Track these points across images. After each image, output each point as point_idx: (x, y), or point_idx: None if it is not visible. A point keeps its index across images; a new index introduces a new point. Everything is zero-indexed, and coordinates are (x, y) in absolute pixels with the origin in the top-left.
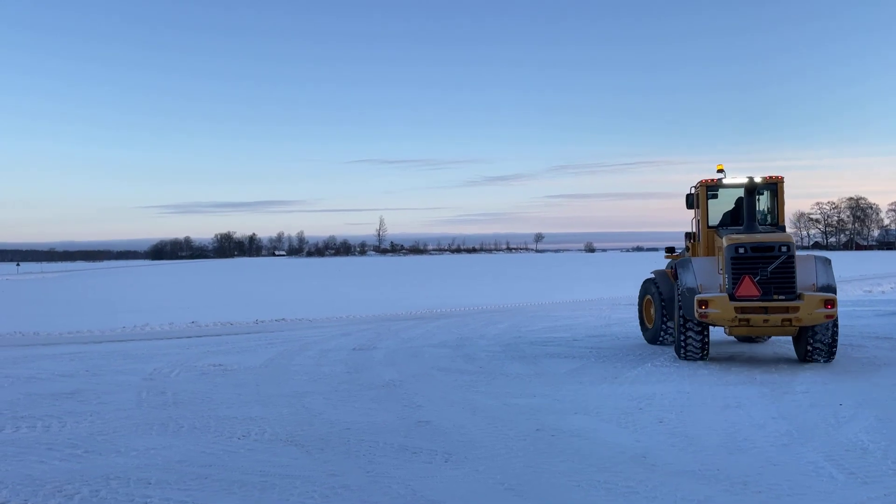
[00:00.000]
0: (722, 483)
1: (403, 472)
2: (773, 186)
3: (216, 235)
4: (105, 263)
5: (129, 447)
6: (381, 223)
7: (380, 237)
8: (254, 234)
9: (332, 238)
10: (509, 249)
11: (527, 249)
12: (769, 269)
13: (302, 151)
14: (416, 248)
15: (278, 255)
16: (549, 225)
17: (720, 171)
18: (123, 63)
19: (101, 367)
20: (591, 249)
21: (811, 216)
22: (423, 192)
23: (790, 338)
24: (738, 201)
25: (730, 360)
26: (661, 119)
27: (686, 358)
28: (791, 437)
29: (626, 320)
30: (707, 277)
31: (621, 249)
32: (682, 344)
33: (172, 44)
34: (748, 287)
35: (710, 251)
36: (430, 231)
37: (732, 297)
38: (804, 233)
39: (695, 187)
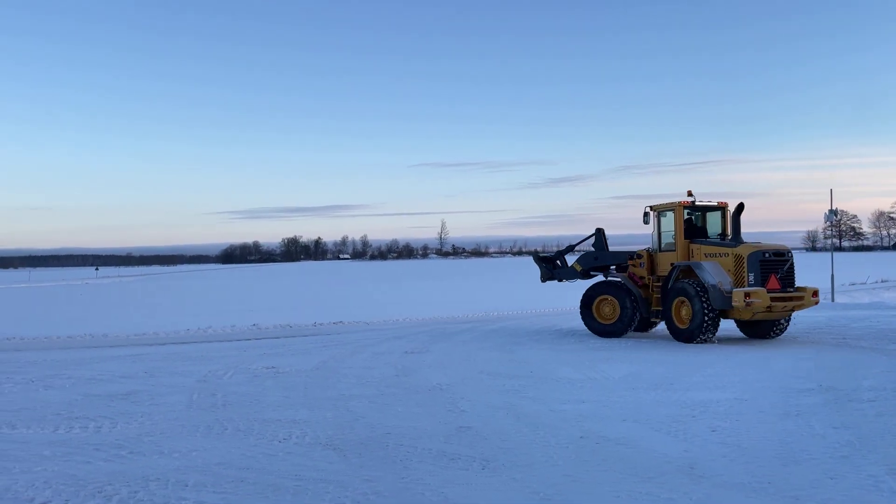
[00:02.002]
0: (772, 497)
1: (438, 478)
2: (723, 209)
3: (283, 240)
4: (178, 267)
5: (173, 449)
6: (443, 226)
7: (441, 240)
8: (319, 237)
9: (395, 241)
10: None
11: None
12: (784, 269)
13: (366, 157)
14: (478, 251)
15: (342, 259)
16: (613, 226)
17: (690, 195)
18: (193, 77)
19: (160, 369)
20: None
21: (892, 215)
22: (484, 195)
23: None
24: (687, 221)
25: (793, 366)
26: (729, 117)
27: (705, 341)
28: (852, 448)
29: None
30: (719, 277)
31: None
32: (704, 328)
33: (240, 58)
34: (774, 283)
35: (685, 258)
36: (491, 234)
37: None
38: (884, 232)
39: (665, 210)
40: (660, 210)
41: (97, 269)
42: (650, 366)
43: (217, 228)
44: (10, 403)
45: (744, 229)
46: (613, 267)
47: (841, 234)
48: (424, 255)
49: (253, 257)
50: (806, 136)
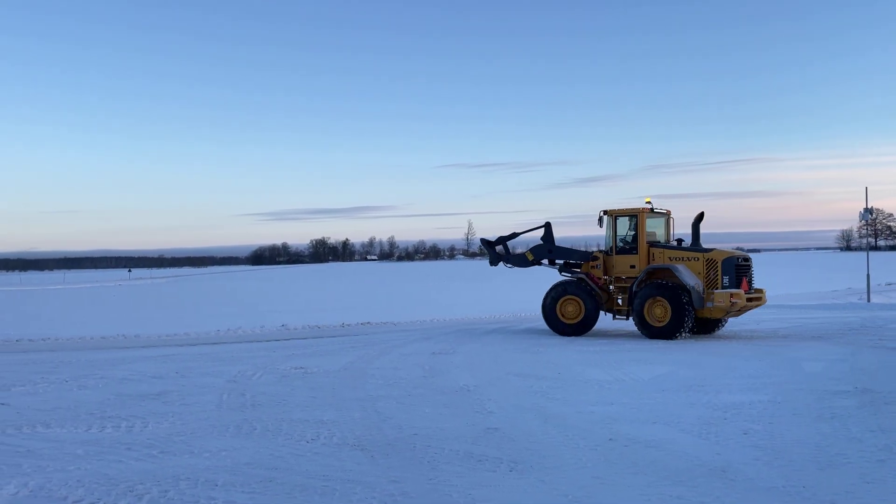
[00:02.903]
0: (807, 501)
1: (465, 480)
2: (666, 217)
3: (311, 241)
4: (209, 269)
5: (203, 448)
6: (470, 227)
7: (468, 241)
8: (347, 239)
9: (422, 242)
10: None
11: None
12: (750, 274)
13: (393, 158)
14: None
15: (370, 260)
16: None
17: (648, 202)
18: (222, 81)
19: (190, 370)
20: None
21: None
22: (510, 195)
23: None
24: (627, 226)
25: (828, 368)
26: (762, 114)
27: (680, 338)
28: (889, 451)
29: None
30: (694, 279)
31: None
32: (686, 326)
33: (269, 62)
34: (745, 285)
35: (643, 262)
36: None
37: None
38: None
39: (623, 214)
40: (616, 214)
41: (130, 270)
42: (679, 367)
43: (246, 230)
44: (45, 403)
45: (777, 228)
46: (560, 264)
47: (876, 233)
48: (451, 256)
49: (281, 259)
50: (841, 133)
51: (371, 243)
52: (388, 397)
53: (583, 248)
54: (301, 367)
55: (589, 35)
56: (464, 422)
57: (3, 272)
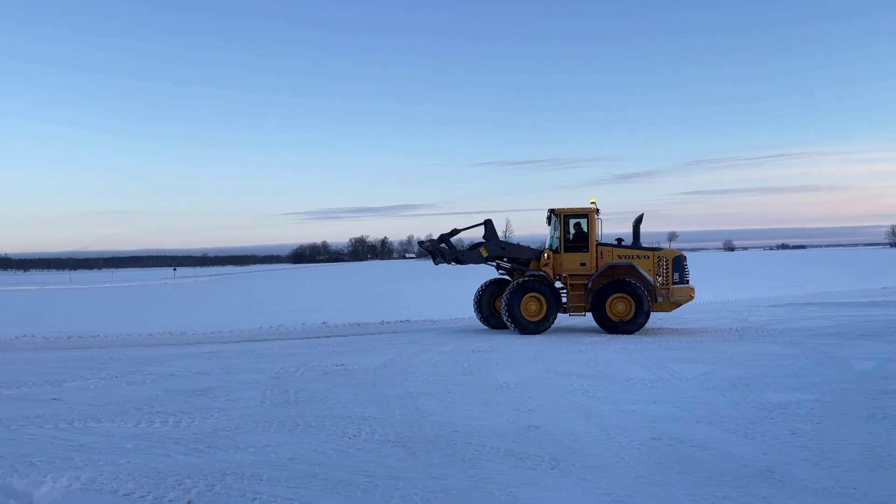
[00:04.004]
0: (858, 502)
1: (507, 477)
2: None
3: (351, 239)
4: (251, 267)
5: (248, 443)
6: (507, 224)
7: (506, 238)
8: (385, 237)
9: (460, 240)
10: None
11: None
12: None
13: (430, 156)
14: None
15: (408, 258)
16: (683, 223)
17: (593, 203)
18: (265, 85)
19: (235, 366)
20: (730, 248)
21: None
22: (549, 192)
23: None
24: (576, 225)
25: (878, 367)
26: (807, 109)
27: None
28: None
29: (766, 323)
30: (650, 276)
31: (764, 247)
32: (644, 322)
33: (308, 66)
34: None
35: (594, 260)
36: None
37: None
38: None
39: (573, 214)
40: (566, 214)
41: (175, 269)
42: (723, 366)
43: (287, 229)
44: (96, 398)
45: (824, 224)
46: (505, 264)
47: None
48: None
49: (321, 257)
50: (890, 127)
51: (409, 241)
52: (429, 394)
53: (526, 246)
54: (342, 365)
55: (634, 36)
56: (504, 419)
57: (55, 271)
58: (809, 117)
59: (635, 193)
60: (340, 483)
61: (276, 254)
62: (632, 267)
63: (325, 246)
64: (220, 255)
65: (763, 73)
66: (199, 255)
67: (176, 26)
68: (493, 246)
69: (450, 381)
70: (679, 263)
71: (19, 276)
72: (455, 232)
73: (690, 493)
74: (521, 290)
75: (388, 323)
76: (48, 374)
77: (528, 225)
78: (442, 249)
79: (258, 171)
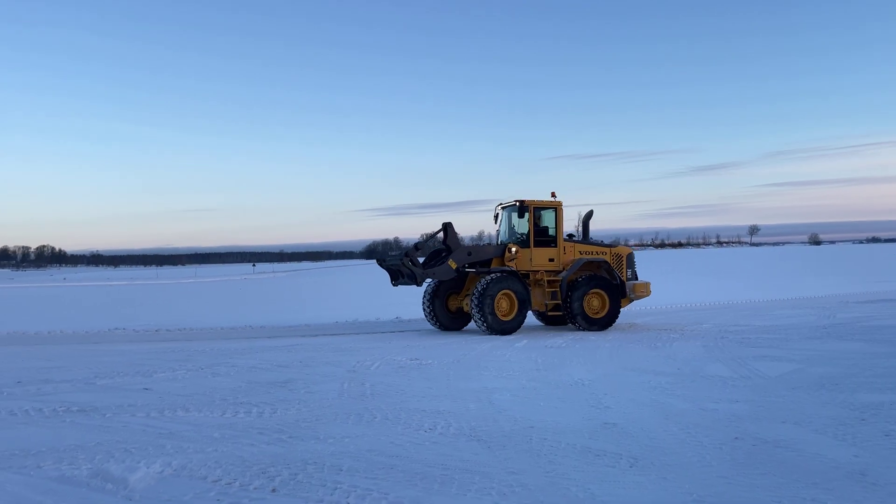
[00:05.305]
0: None
1: (584, 474)
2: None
3: (422, 235)
4: (326, 263)
5: (328, 434)
6: (579, 219)
7: (578, 233)
8: (482, 231)
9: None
10: (720, 243)
11: (740, 243)
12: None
13: (501, 151)
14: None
15: None
16: (765, 216)
17: (554, 196)
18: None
19: (313, 359)
20: (816, 241)
21: None
22: (622, 186)
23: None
24: (545, 219)
25: None
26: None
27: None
28: None
29: (856, 320)
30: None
31: (853, 241)
32: (616, 318)
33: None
34: None
35: (561, 255)
36: (630, 226)
37: None
38: None
39: (542, 207)
40: (536, 206)
41: (254, 265)
42: (810, 364)
43: (361, 225)
44: (184, 389)
45: None
46: (471, 269)
47: None
48: None
49: (394, 252)
50: None
51: (480, 236)
52: (503, 389)
53: (488, 244)
54: (416, 359)
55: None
56: (580, 416)
57: (142, 267)
58: None
59: (713, 186)
60: (417, 475)
61: (349, 250)
62: (605, 263)
63: (396, 241)
64: (296, 251)
65: (851, 62)
66: (277, 251)
67: (265, 30)
68: (459, 255)
69: (524, 376)
70: (631, 260)
71: (110, 271)
72: (418, 248)
73: (777, 494)
74: (493, 287)
75: None
76: (139, 366)
77: (601, 219)
78: (411, 269)
79: (333, 170)
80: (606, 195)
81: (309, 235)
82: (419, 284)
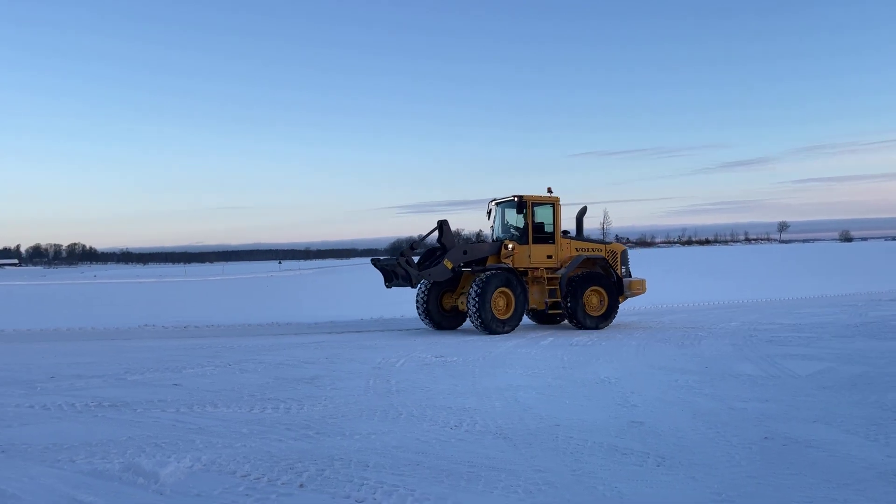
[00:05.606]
0: None
1: (611, 473)
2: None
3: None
4: (351, 260)
5: (354, 431)
6: (605, 216)
7: (604, 230)
8: (480, 230)
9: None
10: (748, 240)
11: (769, 240)
12: None
13: (526, 147)
14: (643, 241)
15: None
16: (795, 212)
17: (550, 191)
18: (369, 91)
19: (339, 356)
20: (847, 238)
21: None
22: (650, 182)
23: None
24: (542, 215)
25: None
26: None
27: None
28: None
29: (888, 318)
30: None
31: (885, 237)
32: (614, 316)
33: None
34: None
35: (559, 252)
36: (657, 223)
37: None
38: None
39: (540, 202)
40: (534, 202)
41: (280, 262)
42: (841, 363)
43: (386, 223)
44: (212, 384)
45: None
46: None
47: None
48: None
49: (419, 250)
50: None
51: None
52: (528, 387)
53: (483, 242)
54: (441, 356)
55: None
56: (606, 414)
57: (171, 264)
58: None
59: (742, 182)
60: (444, 472)
61: (374, 247)
62: (603, 260)
63: (421, 238)
64: (321, 248)
65: (883, 57)
66: (303, 248)
67: (284, 32)
68: (455, 254)
69: (549, 374)
70: (625, 257)
71: (139, 268)
72: (414, 248)
73: (808, 495)
74: (491, 285)
75: None
76: (169, 362)
77: (627, 216)
78: (407, 270)
79: (358, 167)
80: (634, 192)
81: (335, 233)
82: (413, 286)
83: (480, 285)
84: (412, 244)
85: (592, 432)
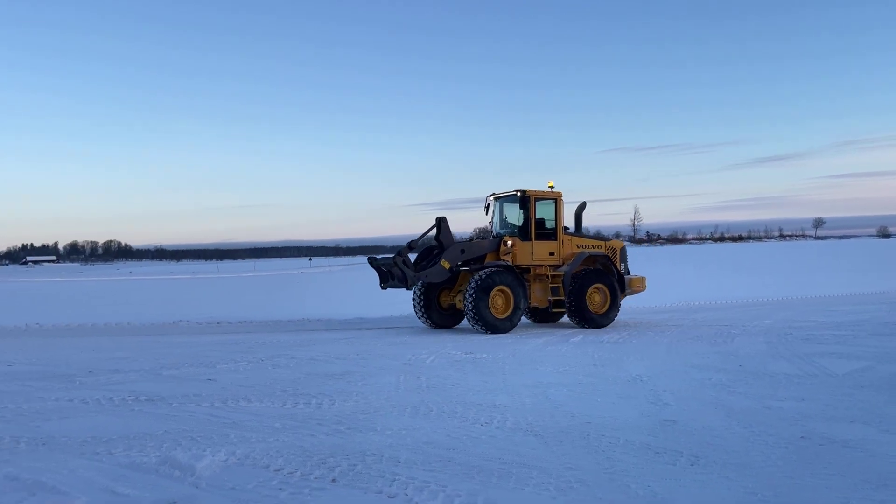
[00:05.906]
0: None
1: (644, 471)
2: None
3: (475, 229)
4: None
5: (385, 426)
6: (636, 212)
7: (634, 227)
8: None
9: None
10: (782, 237)
11: (804, 236)
12: None
13: (555, 143)
14: (675, 238)
15: None
16: (831, 208)
17: (551, 186)
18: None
19: (369, 352)
20: (885, 235)
21: None
22: (681, 178)
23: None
24: (544, 211)
25: None
26: None
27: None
28: None
29: None
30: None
31: None
32: (617, 314)
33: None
34: None
35: (561, 248)
36: (689, 219)
37: None
38: None
39: (543, 198)
40: (536, 197)
41: (310, 259)
42: (880, 362)
43: (413, 219)
44: (245, 380)
45: None
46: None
47: None
48: None
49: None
50: None
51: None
52: (559, 385)
53: (481, 239)
54: (471, 353)
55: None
56: (638, 412)
57: (204, 261)
58: None
59: (776, 177)
60: (475, 469)
61: (402, 243)
62: (605, 257)
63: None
64: (351, 245)
65: None
66: (333, 245)
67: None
68: (452, 253)
69: (580, 371)
70: (624, 254)
71: (173, 265)
72: (411, 247)
73: (846, 496)
74: (489, 284)
75: None
76: (203, 357)
77: (659, 212)
78: (403, 271)
79: (387, 165)
80: (664, 188)
81: (364, 230)
82: (409, 288)
83: (477, 284)
84: (409, 243)
85: (624, 430)
